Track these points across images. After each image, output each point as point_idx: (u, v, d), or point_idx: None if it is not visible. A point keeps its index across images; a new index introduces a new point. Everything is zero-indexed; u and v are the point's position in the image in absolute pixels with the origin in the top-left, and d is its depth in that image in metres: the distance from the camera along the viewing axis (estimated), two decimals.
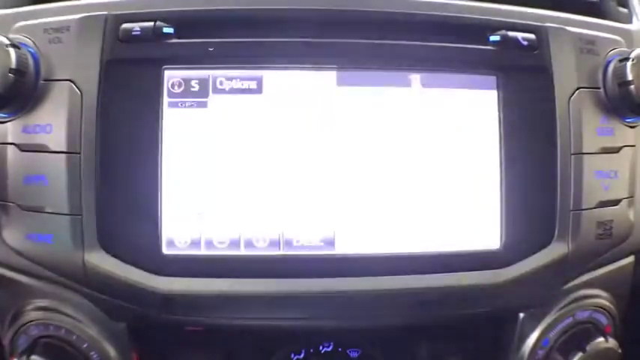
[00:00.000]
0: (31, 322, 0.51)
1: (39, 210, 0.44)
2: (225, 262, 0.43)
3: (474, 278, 0.44)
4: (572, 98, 0.47)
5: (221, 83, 0.44)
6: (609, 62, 0.48)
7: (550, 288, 0.48)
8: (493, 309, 0.46)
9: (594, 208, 0.47)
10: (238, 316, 0.44)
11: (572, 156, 0.46)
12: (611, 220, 0.48)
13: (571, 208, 0.46)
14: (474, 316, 0.48)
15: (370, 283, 0.44)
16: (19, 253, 0.46)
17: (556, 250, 0.46)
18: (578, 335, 0.51)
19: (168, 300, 0.43)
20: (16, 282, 0.49)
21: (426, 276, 0.44)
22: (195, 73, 0.44)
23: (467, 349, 0.55)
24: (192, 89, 0.44)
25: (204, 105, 0.44)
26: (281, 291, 0.43)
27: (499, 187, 0.46)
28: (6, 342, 0.54)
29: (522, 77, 0.46)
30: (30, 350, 0.48)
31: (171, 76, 0.44)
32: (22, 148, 0.44)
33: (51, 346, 0.49)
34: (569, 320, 0.52)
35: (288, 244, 0.44)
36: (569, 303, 0.51)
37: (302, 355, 0.52)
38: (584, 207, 0.46)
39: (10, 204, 0.45)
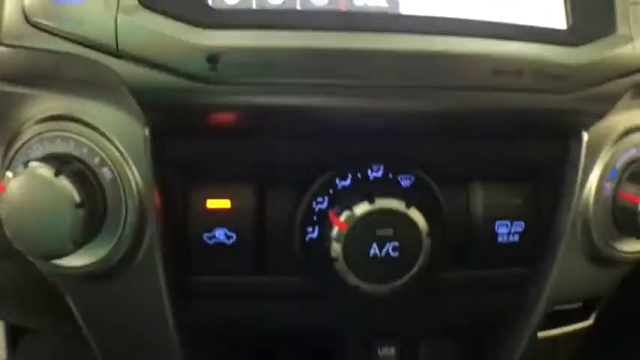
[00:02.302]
0: (33, 138, 0.45)
1: None
2: (280, 15, 0.40)
3: (546, 51, 0.42)
4: None
5: None
6: None
7: (615, 85, 0.46)
8: (562, 101, 0.44)
9: None
10: (290, 81, 0.40)
11: None
12: None
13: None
14: (539, 119, 0.46)
15: (438, 42, 0.41)
16: (44, 29, 0.41)
17: (621, 39, 0.45)
18: None
19: (214, 59, 0.39)
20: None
21: (499, 42, 0.42)
22: None
23: (526, 192, 0.51)
24: None
25: None
26: (340, 46, 0.40)
27: None
28: None
29: None
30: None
31: None
32: None
33: (55, 159, 0.43)
34: (633, 151, 0.50)
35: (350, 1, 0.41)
36: (629, 131, 0.50)
37: (348, 182, 0.47)
38: None
39: None
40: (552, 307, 0.54)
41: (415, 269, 0.46)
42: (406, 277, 0.46)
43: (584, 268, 0.53)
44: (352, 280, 0.45)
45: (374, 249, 0.45)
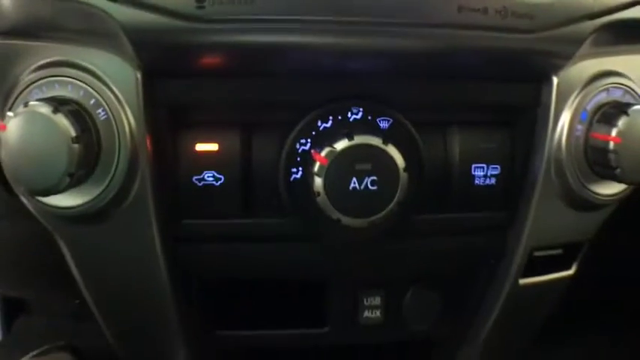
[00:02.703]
0: (33, 84, 0.49)
1: None
2: None
3: None
4: None
5: None
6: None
7: (578, 28, 0.49)
8: (527, 41, 0.48)
9: None
10: (271, 17, 0.44)
11: None
12: None
13: None
14: (508, 59, 0.50)
15: None
16: None
17: None
18: (616, 107, 0.52)
19: None
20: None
21: None
22: None
23: (502, 136, 0.55)
24: None
25: None
26: None
27: None
28: None
29: None
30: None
31: None
32: None
33: (54, 100, 0.46)
34: (604, 95, 0.54)
35: None
36: (598, 76, 0.53)
37: (329, 124, 0.50)
38: None
39: None
40: (532, 252, 0.57)
41: (393, 203, 0.49)
42: (385, 211, 0.49)
43: (561, 211, 0.56)
44: (334, 213, 0.48)
45: (353, 183, 0.48)
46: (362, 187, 0.48)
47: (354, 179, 0.48)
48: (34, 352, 0.96)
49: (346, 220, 0.49)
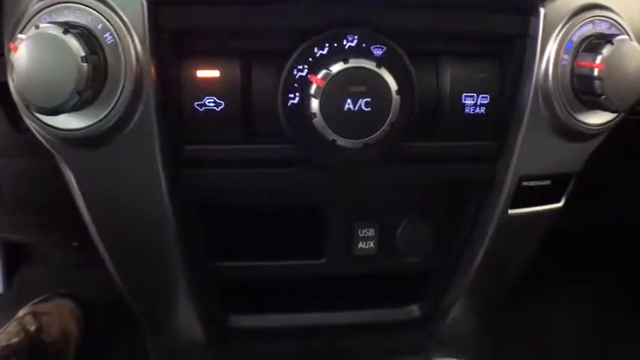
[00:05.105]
0: (42, 10, 0.53)
1: None
2: None
3: None
4: None
5: None
6: None
7: None
8: None
9: None
10: None
11: None
12: None
13: None
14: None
15: None
16: None
17: None
18: (601, 37, 0.57)
19: None
20: None
21: None
22: None
23: (491, 67, 0.59)
24: None
25: None
26: None
27: None
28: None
29: None
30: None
31: None
32: None
33: (63, 23, 0.51)
34: (590, 27, 0.59)
35: None
36: (584, 9, 0.58)
37: (325, 51, 0.55)
38: None
39: None
40: (520, 182, 0.62)
41: (386, 124, 0.54)
42: (378, 132, 0.54)
43: (549, 141, 0.61)
44: (329, 134, 0.54)
45: (348, 104, 0.53)
46: (356, 108, 0.53)
47: (349, 100, 0.53)
48: (36, 300, 1.03)
49: (341, 141, 0.54)
